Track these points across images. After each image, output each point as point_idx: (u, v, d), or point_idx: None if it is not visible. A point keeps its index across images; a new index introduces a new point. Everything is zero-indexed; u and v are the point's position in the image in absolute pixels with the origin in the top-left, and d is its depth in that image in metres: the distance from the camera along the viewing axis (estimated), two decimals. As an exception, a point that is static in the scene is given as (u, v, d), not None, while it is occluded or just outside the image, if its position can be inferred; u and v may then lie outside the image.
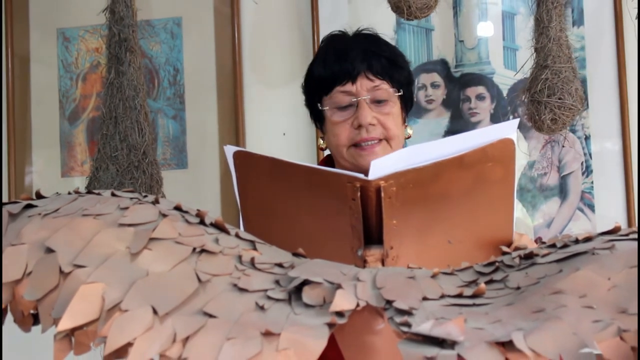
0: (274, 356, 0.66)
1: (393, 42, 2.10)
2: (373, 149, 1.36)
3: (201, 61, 2.23)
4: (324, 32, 2.11)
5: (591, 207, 2.05)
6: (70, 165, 2.27)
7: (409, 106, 1.47)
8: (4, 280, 0.74)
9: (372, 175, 1.06)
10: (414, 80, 1.49)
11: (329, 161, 1.47)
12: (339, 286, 0.74)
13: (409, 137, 1.46)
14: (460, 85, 2.12)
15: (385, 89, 1.38)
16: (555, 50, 1.75)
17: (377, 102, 1.38)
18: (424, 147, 1.12)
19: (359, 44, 1.42)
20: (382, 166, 1.07)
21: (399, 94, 1.40)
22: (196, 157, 2.22)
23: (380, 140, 1.37)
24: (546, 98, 1.73)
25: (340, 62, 1.39)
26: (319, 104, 1.42)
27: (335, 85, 1.38)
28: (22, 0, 2.29)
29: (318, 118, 1.46)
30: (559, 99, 1.73)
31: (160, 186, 1.90)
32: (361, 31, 1.48)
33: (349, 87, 1.37)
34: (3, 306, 0.75)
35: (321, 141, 1.47)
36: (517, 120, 1.18)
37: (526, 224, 2.06)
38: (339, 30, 1.49)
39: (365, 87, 1.37)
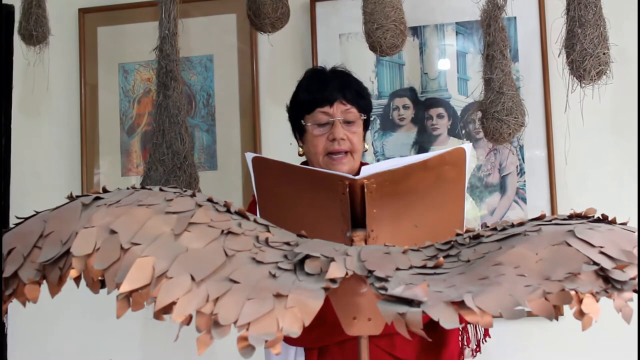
0: (283, 312, 0.66)
1: (374, 75, 2.11)
2: (341, 160, 1.40)
3: (228, 88, 2.22)
4: (322, 65, 2.11)
5: (524, 200, 2.05)
6: (128, 167, 2.26)
7: (368, 127, 1.49)
8: (78, 254, 0.74)
9: (360, 176, 1.06)
10: (372, 109, 1.52)
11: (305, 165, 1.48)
12: (332, 259, 0.74)
13: (366, 151, 1.49)
14: (424, 107, 2.12)
15: (354, 112, 1.41)
16: (508, 81, 1.74)
17: (347, 122, 1.41)
18: (399, 160, 1.13)
19: (335, 78, 1.45)
20: (369, 171, 1.08)
21: (363, 117, 1.43)
22: (224, 161, 2.21)
23: (347, 152, 1.40)
24: (505, 117, 1.73)
25: (321, 91, 1.41)
26: (302, 121, 1.43)
27: (317, 107, 1.41)
28: (92, 42, 2.29)
29: (299, 131, 1.47)
30: (515, 117, 1.73)
31: (197, 183, 1.89)
32: (337, 68, 1.50)
33: (327, 109, 1.40)
34: (77, 274, 0.75)
35: (300, 149, 1.49)
36: (470, 144, 1.18)
37: (474, 214, 2.06)
38: (320, 66, 1.51)
39: (340, 110, 1.40)
